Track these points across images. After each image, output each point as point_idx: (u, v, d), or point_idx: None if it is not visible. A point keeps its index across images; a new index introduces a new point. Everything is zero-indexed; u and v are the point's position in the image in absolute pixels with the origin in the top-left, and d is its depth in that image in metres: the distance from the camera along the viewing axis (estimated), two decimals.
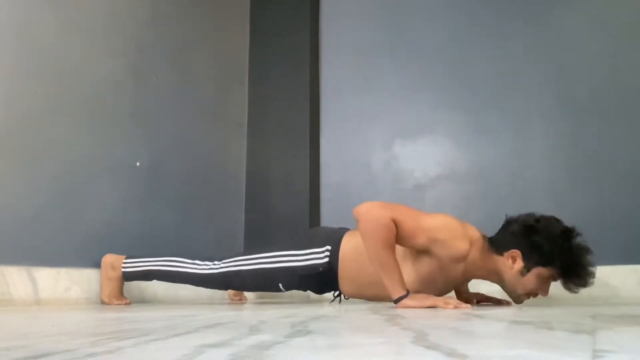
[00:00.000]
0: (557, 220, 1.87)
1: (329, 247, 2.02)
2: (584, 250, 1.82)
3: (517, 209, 1.96)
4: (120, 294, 2.26)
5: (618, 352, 0.66)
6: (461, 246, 1.84)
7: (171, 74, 2.83)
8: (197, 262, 2.19)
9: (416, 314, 1.43)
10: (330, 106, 3.24)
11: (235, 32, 3.36)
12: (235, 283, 2.17)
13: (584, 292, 2.16)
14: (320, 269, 2.01)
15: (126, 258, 2.27)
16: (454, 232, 1.85)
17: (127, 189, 2.53)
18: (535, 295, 1.90)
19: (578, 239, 1.83)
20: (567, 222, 1.91)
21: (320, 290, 2.13)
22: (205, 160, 3.00)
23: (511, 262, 1.86)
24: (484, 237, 1.93)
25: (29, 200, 2.13)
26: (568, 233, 1.83)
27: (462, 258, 1.86)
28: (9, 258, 2.02)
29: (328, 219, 3.11)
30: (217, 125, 3.12)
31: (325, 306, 1.96)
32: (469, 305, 1.74)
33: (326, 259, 2.01)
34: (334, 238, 2.04)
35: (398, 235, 1.81)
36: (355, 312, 1.55)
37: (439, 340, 0.78)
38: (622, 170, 2.57)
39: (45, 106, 2.23)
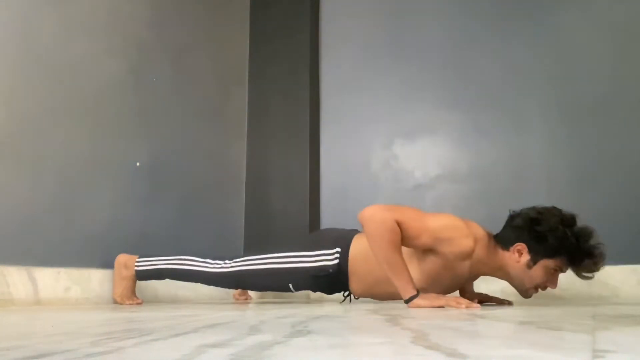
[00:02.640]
0: (557, 210, 1.86)
1: (339, 249, 2.03)
2: (587, 234, 1.81)
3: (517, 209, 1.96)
4: (133, 293, 2.27)
5: (618, 352, 0.66)
6: (466, 244, 1.85)
7: (171, 74, 2.83)
8: (208, 261, 2.21)
9: (416, 313, 1.43)
10: (330, 106, 3.24)
11: (235, 32, 3.36)
12: (246, 282, 2.19)
13: (584, 292, 2.16)
14: (330, 270, 2.02)
15: (139, 257, 2.28)
16: (458, 231, 1.86)
17: (128, 189, 2.53)
18: (544, 288, 1.89)
19: (580, 225, 1.82)
20: None
21: (330, 291, 2.14)
22: (205, 160, 2.99)
23: (517, 256, 1.86)
24: (488, 234, 1.93)
25: (29, 201, 2.13)
26: (568, 221, 1.82)
27: (468, 255, 1.86)
28: (9, 258, 2.02)
29: (328, 218, 3.11)
30: (217, 125, 3.12)
31: (325, 306, 1.96)
32: (479, 306, 1.75)
33: (336, 261, 2.02)
34: (343, 240, 2.05)
35: (403, 236, 1.81)
36: (356, 312, 1.55)
37: (439, 340, 0.78)
38: (622, 170, 2.57)
39: (46, 106, 2.23)
